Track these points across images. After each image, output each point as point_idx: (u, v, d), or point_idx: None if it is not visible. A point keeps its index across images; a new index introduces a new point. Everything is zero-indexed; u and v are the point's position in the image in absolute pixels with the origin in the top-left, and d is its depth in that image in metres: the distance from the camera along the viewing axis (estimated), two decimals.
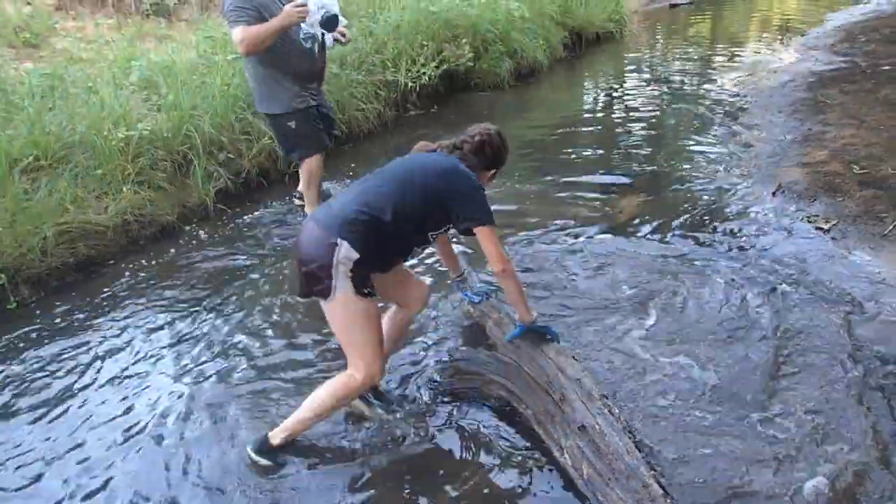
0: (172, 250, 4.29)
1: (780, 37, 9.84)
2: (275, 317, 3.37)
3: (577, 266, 3.47)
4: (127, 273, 3.95)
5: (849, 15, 10.45)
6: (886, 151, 4.44)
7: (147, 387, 2.90)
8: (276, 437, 2.42)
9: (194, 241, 4.48)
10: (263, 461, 2.41)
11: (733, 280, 3.20)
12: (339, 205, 2.28)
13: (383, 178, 2.35)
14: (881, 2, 11.15)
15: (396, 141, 6.47)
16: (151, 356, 3.12)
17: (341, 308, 2.23)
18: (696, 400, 2.51)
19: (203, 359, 3.07)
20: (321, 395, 2.37)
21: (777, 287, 3.11)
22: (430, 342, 3.03)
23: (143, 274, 3.93)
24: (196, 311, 3.46)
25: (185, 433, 2.60)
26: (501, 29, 8.15)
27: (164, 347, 3.18)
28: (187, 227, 4.71)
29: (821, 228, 3.58)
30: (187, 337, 3.25)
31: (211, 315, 3.43)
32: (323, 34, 3.98)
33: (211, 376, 2.95)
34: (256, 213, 4.92)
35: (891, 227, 3.48)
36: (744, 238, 3.63)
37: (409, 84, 7.02)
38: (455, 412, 2.60)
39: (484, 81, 8.01)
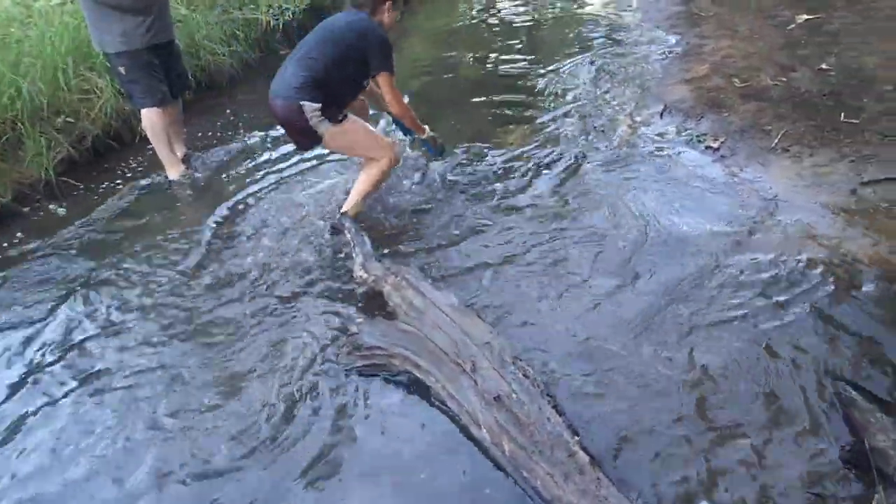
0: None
1: None
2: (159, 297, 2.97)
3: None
4: None
5: None
6: (764, 61, 4.45)
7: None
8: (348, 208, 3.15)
9: (37, 224, 3.87)
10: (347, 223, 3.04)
11: (630, 208, 3.09)
12: (287, 76, 2.96)
13: (310, 47, 2.96)
14: None
15: (265, 84, 5.85)
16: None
17: (334, 138, 3.03)
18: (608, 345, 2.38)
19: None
20: (361, 186, 3.16)
21: (673, 211, 3.03)
22: (321, 314, 2.73)
23: None
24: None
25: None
26: None
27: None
28: (26, 209, 4.07)
29: (710, 147, 3.52)
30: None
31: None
32: None
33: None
34: (108, 182, 4.32)
35: (776, 139, 3.47)
36: (637, 162, 3.52)
37: (272, 22, 6.39)
38: (359, 393, 2.34)
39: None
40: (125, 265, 3.27)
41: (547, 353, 2.37)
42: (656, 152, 3.58)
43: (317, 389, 2.36)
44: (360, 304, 2.74)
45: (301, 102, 2.88)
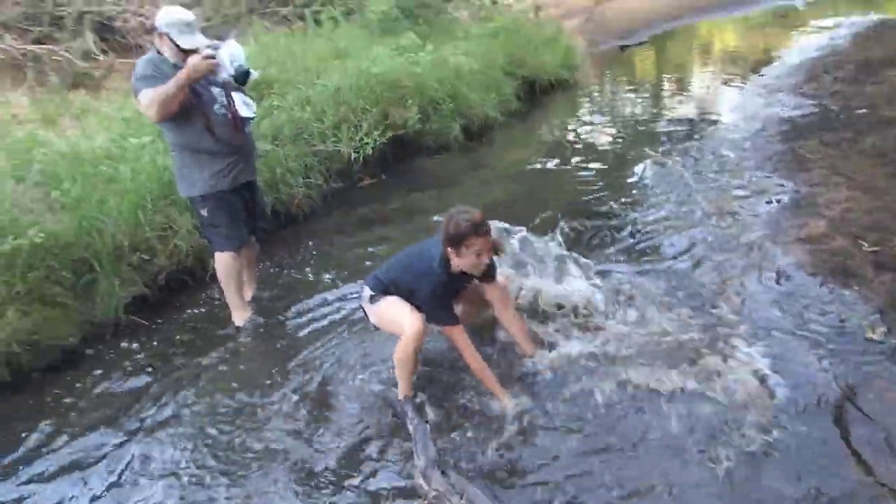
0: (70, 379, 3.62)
1: (733, 74, 9.57)
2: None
3: None
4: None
5: (803, 50, 10.25)
6: (894, 219, 3.92)
7: None
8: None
9: (100, 367, 3.74)
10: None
11: None
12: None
13: (387, 265, 3.06)
14: (834, 35, 11.02)
15: (342, 217, 5.81)
16: None
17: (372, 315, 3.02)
18: None
19: None
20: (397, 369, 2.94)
21: None
22: None
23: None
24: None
25: None
26: (450, 86, 7.62)
27: None
28: (89, 351, 3.95)
29: (871, 339, 2.91)
30: None
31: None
32: (232, 99, 3.57)
33: None
34: (173, 324, 4.19)
35: None
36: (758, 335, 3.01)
37: (353, 154, 6.39)
38: None
39: (435, 143, 7.44)
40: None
41: None
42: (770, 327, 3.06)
43: None
44: None
45: (364, 286, 3.09)
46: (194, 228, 4.61)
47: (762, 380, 2.73)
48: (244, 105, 3.71)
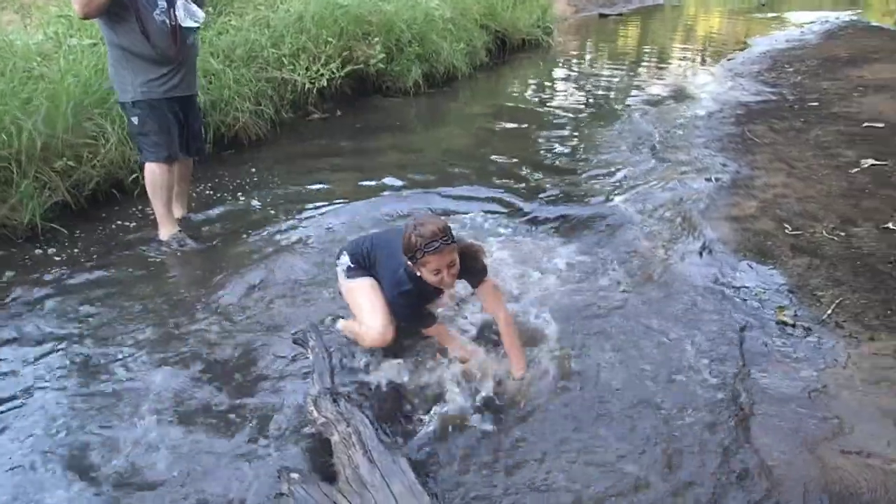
0: None
1: (705, 57, 9.59)
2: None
3: None
4: None
5: (773, 41, 10.31)
6: (821, 208, 4.00)
7: None
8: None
9: (10, 270, 3.61)
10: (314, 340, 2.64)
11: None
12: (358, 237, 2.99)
13: (369, 240, 2.82)
14: (805, 31, 11.11)
15: (291, 149, 5.68)
16: None
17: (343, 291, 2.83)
18: None
19: None
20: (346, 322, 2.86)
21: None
22: (262, 456, 2.29)
23: None
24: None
25: None
26: (419, 29, 7.43)
27: None
28: (1, 252, 3.80)
29: (784, 323, 2.92)
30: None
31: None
32: (174, 5, 3.44)
33: None
34: (93, 234, 4.05)
35: (829, 310, 2.98)
36: (676, 307, 3.06)
37: (308, 84, 6.21)
38: None
39: (395, 86, 7.29)
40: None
41: None
42: (687, 300, 3.12)
43: None
44: (306, 447, 2.30)
45: (344, 251, 2.84)
46: (126, 141, 4.45)
47: (665, 348, 2.78)
48: (188, 14, 3.55)
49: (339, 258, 2.84)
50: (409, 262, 2.43)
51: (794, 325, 2.90)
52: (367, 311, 2.65)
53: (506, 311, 2.63)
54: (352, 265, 2.76)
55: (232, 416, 2.47)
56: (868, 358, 2.67)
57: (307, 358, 2.61)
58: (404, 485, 1.92)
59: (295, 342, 2.69)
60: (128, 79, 3.56)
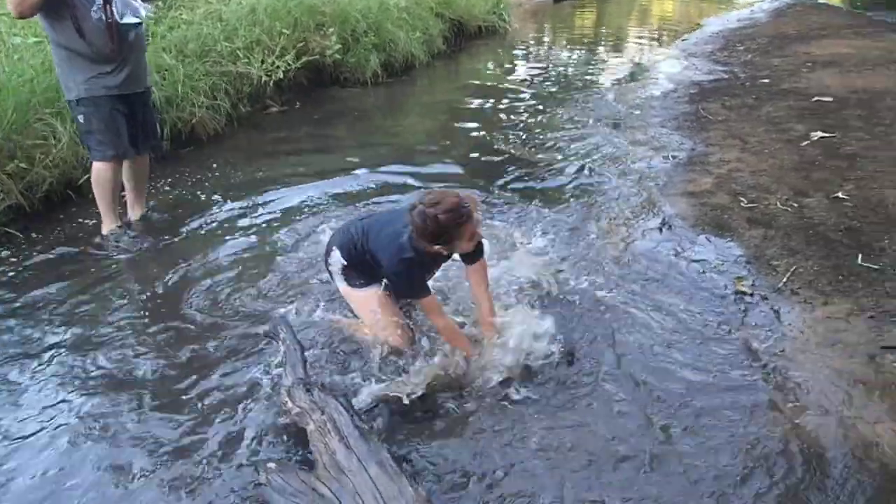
0: None
1: (660, 38, 9.74)
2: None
3: None
4: None
5: (725, 21, 10.52)
6: (774, 181, 4.12)
7: None
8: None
9: None
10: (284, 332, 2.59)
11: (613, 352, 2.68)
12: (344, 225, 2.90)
13: (362, 226, 2.72)
14: (755, 10, 11.34)
15: (250, 142, 5.62)
16: None
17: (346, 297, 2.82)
18: None
19: None
20: (344, 322, 2.86)
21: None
22: (227, 440, 2.29)
23: None
24: None
25: None
26: (374, 19, 7.39)
27: None
28: None
29: (742, 292, 3.00)
30: None
31: None
32: (112, 2, 3.34)
33: None
34: (49, 237, 3.96)
35: (784, 278, 3.09)
36: (638, 283, 3.13)
37: (264, 77, 6.13)
38: None
39: (353, 76, 7.25)
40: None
41: None
42: (650, 275, 3.19)
43: None
44: (280, 439, 2.31)
45: (334, 247, 2.76)
46: (80, 141, 4.34)
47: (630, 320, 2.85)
48: (128, 10, 3.47)
49: (329, 256, 2.77)
50: (427, 245, 2.41)
51: (751, 294, 2.99)
52: (381, 324, 2.67)
53: (491, 300, 2.68)
54: (345, 262, 2.72)
55: (203, 407, 2.46)
56: (822, 322, 2.77)
57: (277, 349, 2.61)
58: (381, 467, 1.94)
59: (265, 335, 2.69)
60: (71, 77, 3.50)
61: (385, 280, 2.68)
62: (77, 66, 3.46)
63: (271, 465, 2.09)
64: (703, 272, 3.19)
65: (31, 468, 2.23)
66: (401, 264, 2.51)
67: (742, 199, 3.91)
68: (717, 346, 2.65)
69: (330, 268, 2.79)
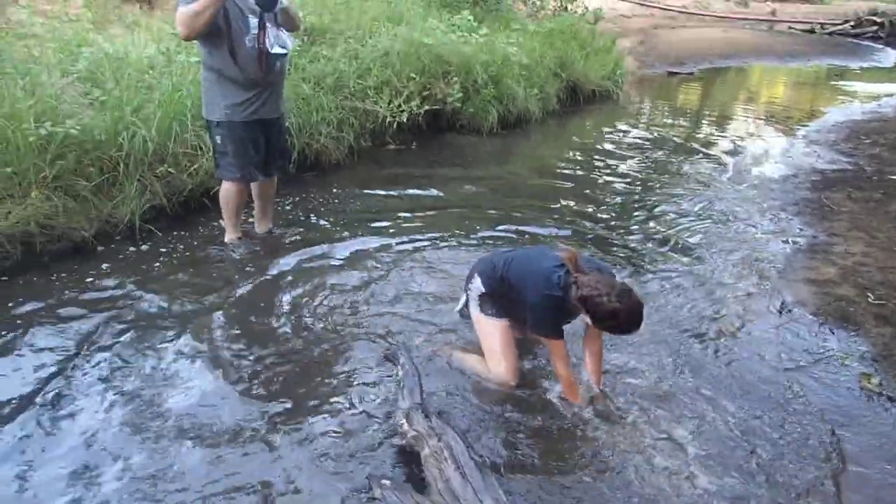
0: (79, 269, 3.77)
1: (768, 121, 9.56)
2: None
3: None
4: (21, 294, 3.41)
5: (849, 112, 10.21)
6: None
7: None
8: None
9: (109, 263, 3.91)
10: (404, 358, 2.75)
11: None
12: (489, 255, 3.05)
13: (507, 258, 2.82)
14: (882, 104, 10.97)
15: (366, 175, 5.90)
16: None
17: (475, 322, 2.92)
18: None
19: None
20: (466, 359, 2.92)
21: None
22: (348, 461, 2.38)
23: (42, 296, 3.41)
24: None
25: None
26: (496, 72, 7.65)
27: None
28: (101, 248, 4.06)
29: (868, 389, 2.91)
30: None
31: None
32: (265, 32, 3.60)
33: None
34: (189, 239, 4.30)
35: None
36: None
37: (390, 118, 6.45)
38: None
39: (470, 125, 7.49)
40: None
41: None
42: (766, 358, 3.11)
43: None
44: (392, 459, 2.38)
45: (476, 274, 2.89)
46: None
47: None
48: (276, 41, 3.73)
49: (470, 281, 2.89)
50: (579, 302, 2.45)
51: (880, 395, 2.86)
52: (497, 355, 2.75)
53: (601, 345, 2.76)
54: (485, 290, 2.81)
55: (317, 421, 2.58)
56: None
57: (394, 372, 2.71)
58: (497, 502, 1.98)
59: (385, 358, 2.80)
60: (216, 99, 3.75)
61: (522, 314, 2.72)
62: (224, 89, 3.71)
63: (385, 482, 2.17)
64: (826, 363, 3.09)
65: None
66: (546, 300, 2.55)
67: (869, 294, 3.77)
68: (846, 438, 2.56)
69: (469, 293, 2.90)
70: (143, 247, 4.17)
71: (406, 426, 2.36)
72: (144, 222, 4.29)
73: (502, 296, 2.78)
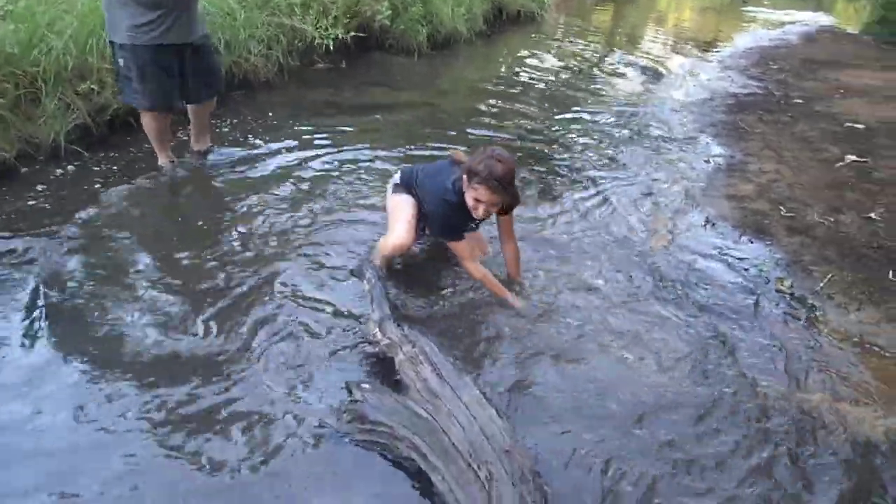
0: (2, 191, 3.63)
1: (676, 45, 9.94)
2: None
3: None
4: None
5: (758, 38, 10.72)
6: (811, 196, 4.36)
7: None
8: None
9: (34, 184, 3.75)
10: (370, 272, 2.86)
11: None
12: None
13: (418, 169, 3.07)
14: (787, 31, 11.55)
15: (297, 95, 5.78)
16: None
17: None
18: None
19: None
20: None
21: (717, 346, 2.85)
22: (323, 370, 2.49)
23: None
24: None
25: None
26: None
27: None
28: (24, 170, 3.86)
29: (781, 291, 3.25)
30: None
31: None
32: None
33: None
34: (120, 160, 4.14)
35: (822, 283, 3.33)
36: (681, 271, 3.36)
37: (318, 39, 6.27)
38: (358, 471, 2.10)
39: (399, 44, 7.37)
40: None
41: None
42: (697, 266, 3.42)
43: (306, 449, 2.15)
44: (367, 367, 2.51)
45: (397, 173, 3.15)
46: None
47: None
48: None
49: (391, 179, 3.14)
50: (464, 178, 2.68)
51: (792, 294, 3.23)
52: (397, 220, 2.94)
53: (516, 243, 3.03)
54: (398, 182, 3.05)
55: (287, 334, 2.66)
56: (856, 325, 3.03)
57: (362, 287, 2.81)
58: (473, 397, 2.15)
59: (352, 273, 2.88)
60: (118, 19, 3.45)
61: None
62: (126, 9, 3.40)
63: (365, 384, 2.30)
64: (746, 269, 3.43)
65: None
66: (443, 205, 2.80)
67: (781, 207, 4.14)
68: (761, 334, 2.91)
69: (388, 188, 3.12)
70: (70, 167, 3.99)
71: (379, 335, 2.48)
72: (70, 143, 4.08)
73: (410, 189, 3.01)
